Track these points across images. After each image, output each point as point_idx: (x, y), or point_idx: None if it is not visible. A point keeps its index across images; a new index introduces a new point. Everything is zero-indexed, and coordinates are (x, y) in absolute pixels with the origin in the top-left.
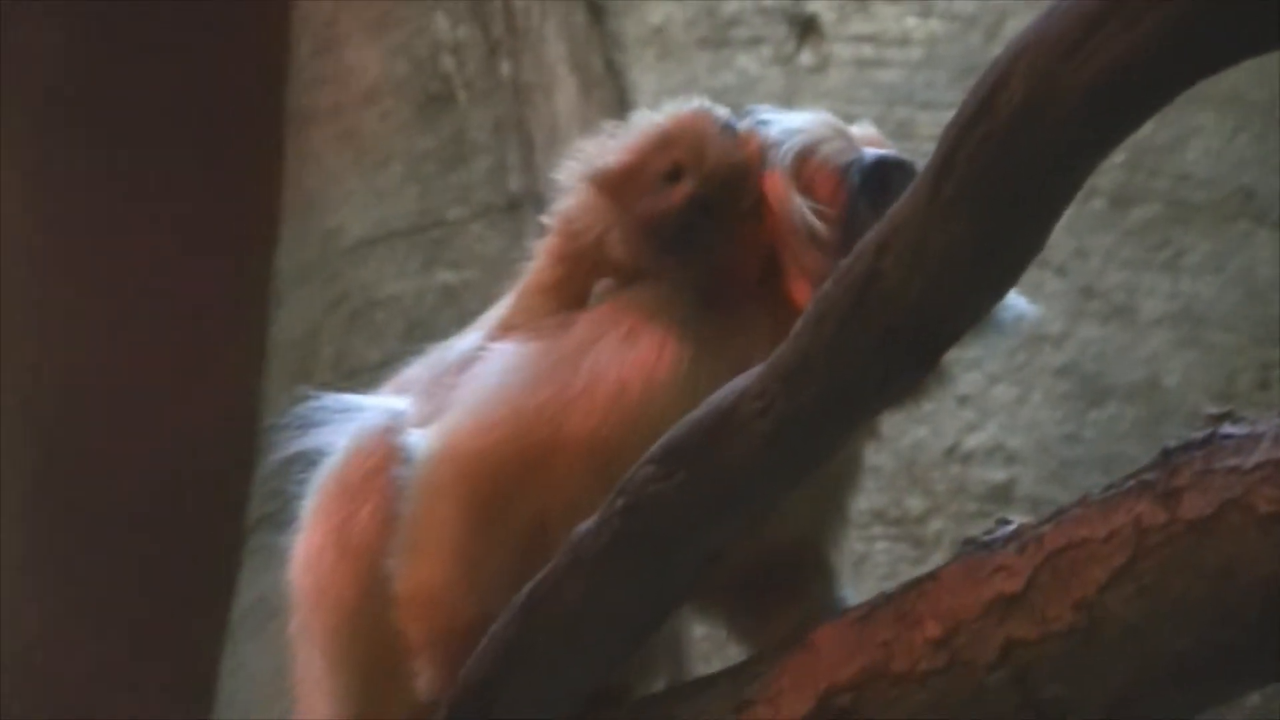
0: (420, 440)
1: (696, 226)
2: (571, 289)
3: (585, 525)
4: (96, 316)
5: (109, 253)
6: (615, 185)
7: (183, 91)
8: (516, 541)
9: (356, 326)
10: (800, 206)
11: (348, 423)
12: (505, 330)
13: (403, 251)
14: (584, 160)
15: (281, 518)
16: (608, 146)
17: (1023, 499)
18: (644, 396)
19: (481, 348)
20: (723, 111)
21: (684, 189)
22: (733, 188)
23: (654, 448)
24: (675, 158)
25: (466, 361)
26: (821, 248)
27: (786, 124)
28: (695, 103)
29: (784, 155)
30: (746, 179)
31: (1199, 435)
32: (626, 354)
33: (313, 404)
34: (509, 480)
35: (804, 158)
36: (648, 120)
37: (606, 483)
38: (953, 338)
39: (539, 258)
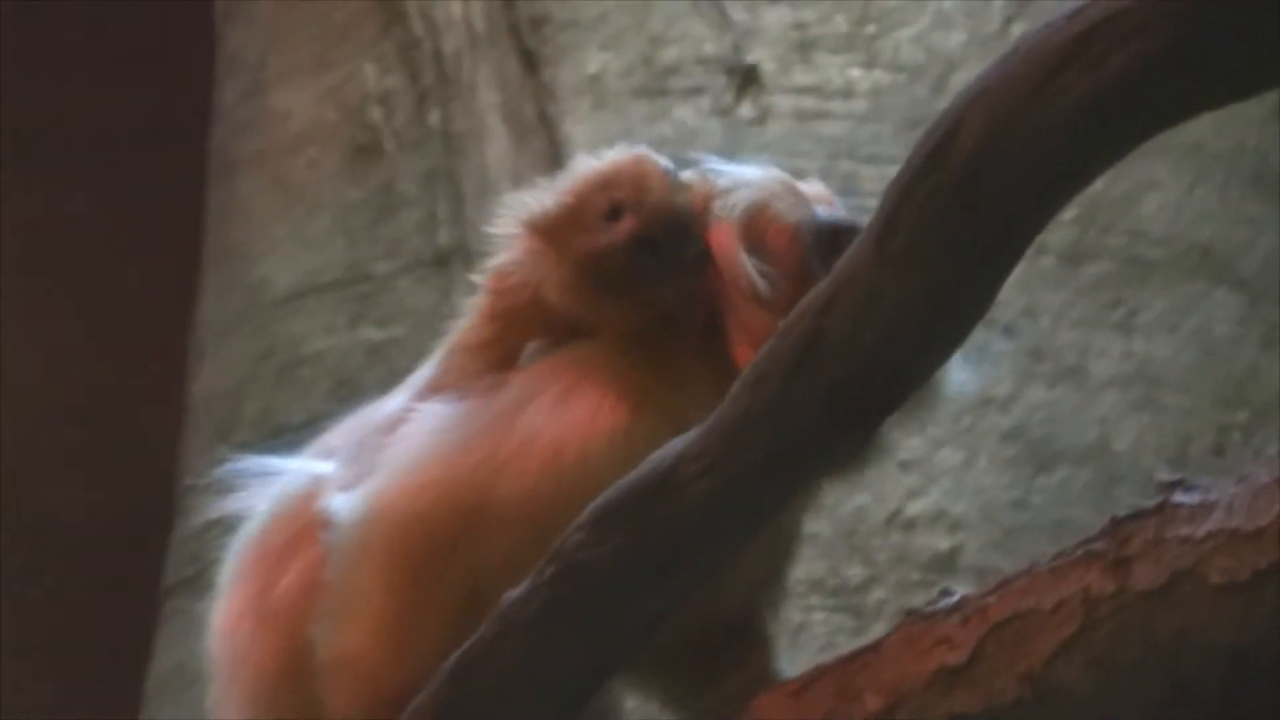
0: (346, 503)
1: (639, 266)
2: (503, 348)
3: (515, 592)
4: (12, 368)
5: (31, 301)
6: (554, 228)
7: (105, 133)
8: (447, 607)
9: (282, 383)
10: (747, 262)
11: (269, 486)
12: (435, 390)
13: (330, 305)
14: (518, 210)
15: (200, 582)
16: (544, 194)
17: (967, 568)
18: (580, 457)
19: (410, 408)
20: (664, 157)
21: (626, 225)
22: (676, 229)
23: (586, 512)
24: (616, 197)
25: (394, 422)
26: (767, 307)
27: (736, 175)
28: (636, 147)
29: (733, 207)
30: (691, 223)
31: (1150, 503)
32: (562, 413)
33: (234, 465)
34: (440, 544)
35: (754, 212)
36: (585, 164)
37: (542, 546)
38: (900, 397)
39: (470, 315)
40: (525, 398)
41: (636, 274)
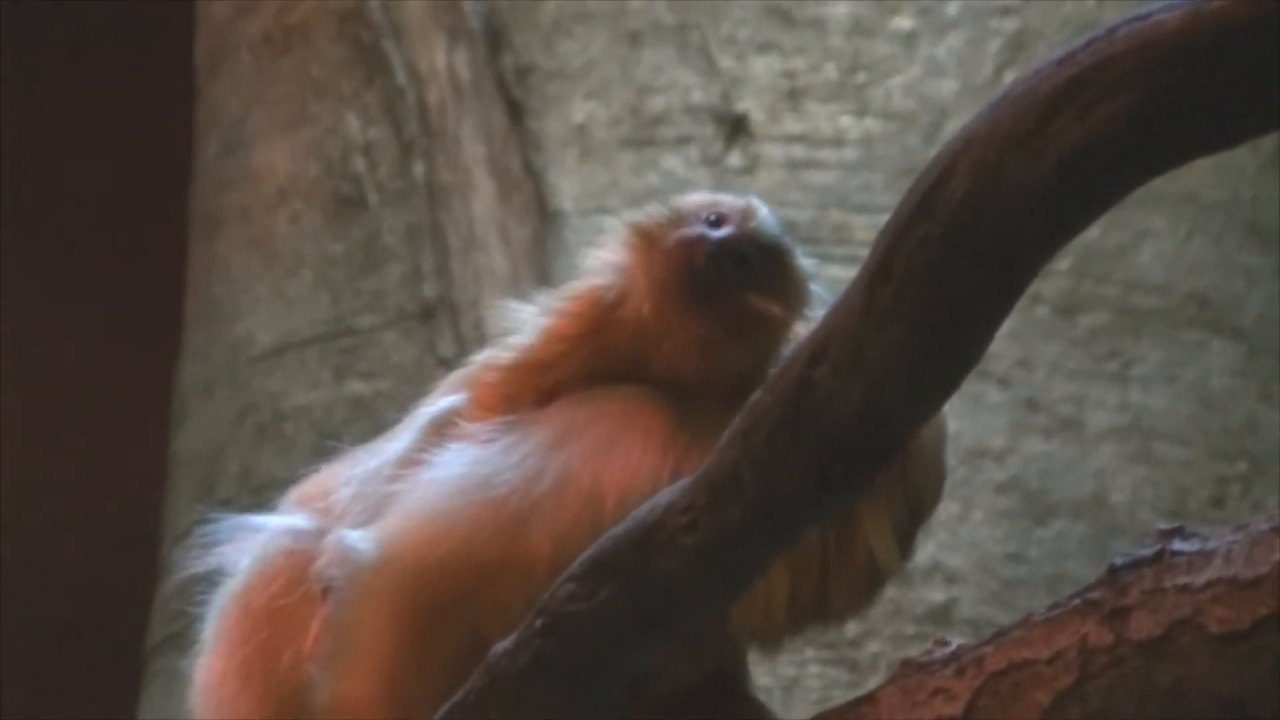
0: (358, 541)
1: (727, 269)
2: (561, 373)
3: (503, 645)
4: None
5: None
6: (654, 229)
7: (88, 191)
8: (450, 656)
9: (264, 440)
10: None
11: (251, 542)
12: (447, 426)
13: (313, 361)
14: (618, 227)
15: (184, 640)
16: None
17: (963, 621)
18: (619, 506)
19: (418, 449)
20: None
21: (724, 230)
22: (772, 253)
23: (575, 564)
24: (721, 211)
25: (401, 464)
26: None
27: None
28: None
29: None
30: (788, 257)
31: (1148, 552)
32: (604, 458)
33: (216, 522)
34: (453, 592)
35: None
36: (676, 199)
37: None
38: (891, 450)
39: (531, 334)
40: (563, 438)
41: (722, 276)
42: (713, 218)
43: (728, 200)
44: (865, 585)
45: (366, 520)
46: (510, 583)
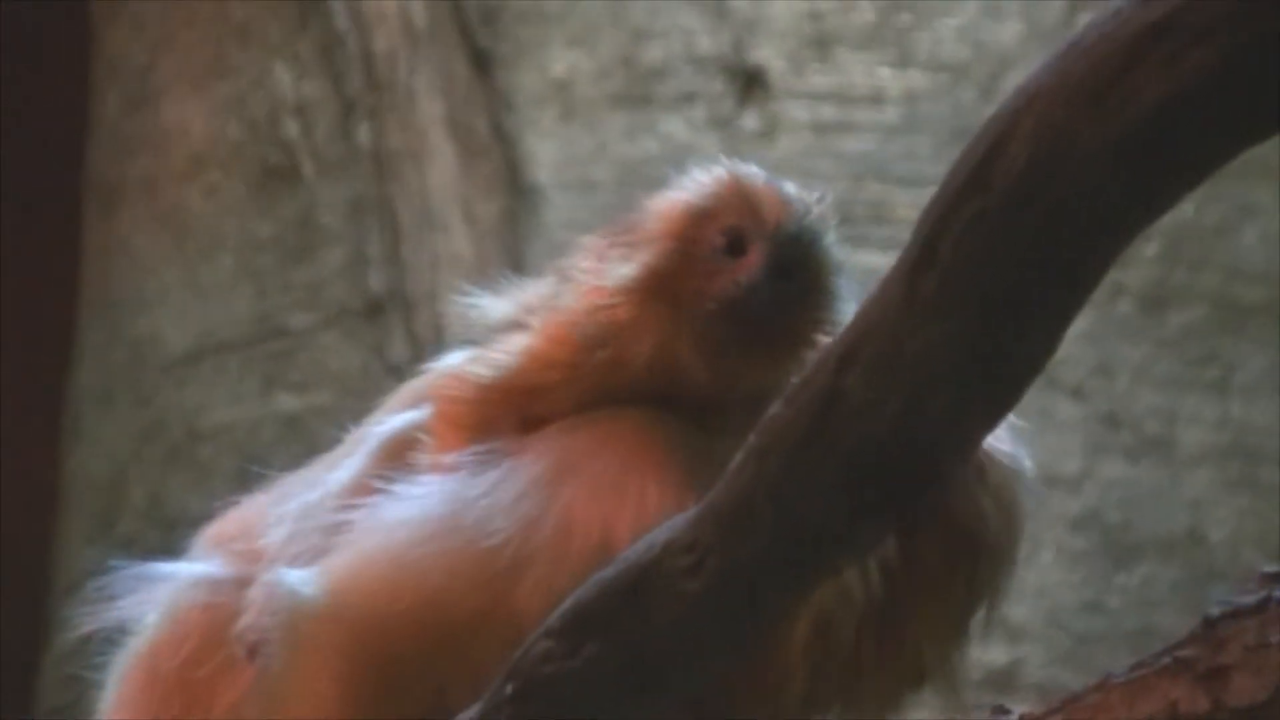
0: (301, 585)
1: (782, 299)
2: (558, 401)
3: (465, 715)
4: None
5: None
6: (663, 283)
7: None
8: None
9: (175, 464)
10: None
11: (158, 593)
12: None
13: (234, 369)
14: (599, 272)
15: (77, 713)
16: (620, 245)
17: (1030, 685)
18: None
19: (381, 471)
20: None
21: (757, 257)
22: (812, 245)
23: (553, 616)
24: (731, 226)
25: (348, 496)
26: None
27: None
28: (717, 166)
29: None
30: (824, 233)
31: (1250, 600)
32: (615, 502)
33: (116, 569)
34: (417, 655)
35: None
36: (666, 200)
37: None
38: (934, 475)
39: (510, 355)
40: (562, 475)
41: (781, 309)
42: (728, 242)
43: (715, 199)
44: (904, 688)
45: (306, 563)
46: (488, 643)
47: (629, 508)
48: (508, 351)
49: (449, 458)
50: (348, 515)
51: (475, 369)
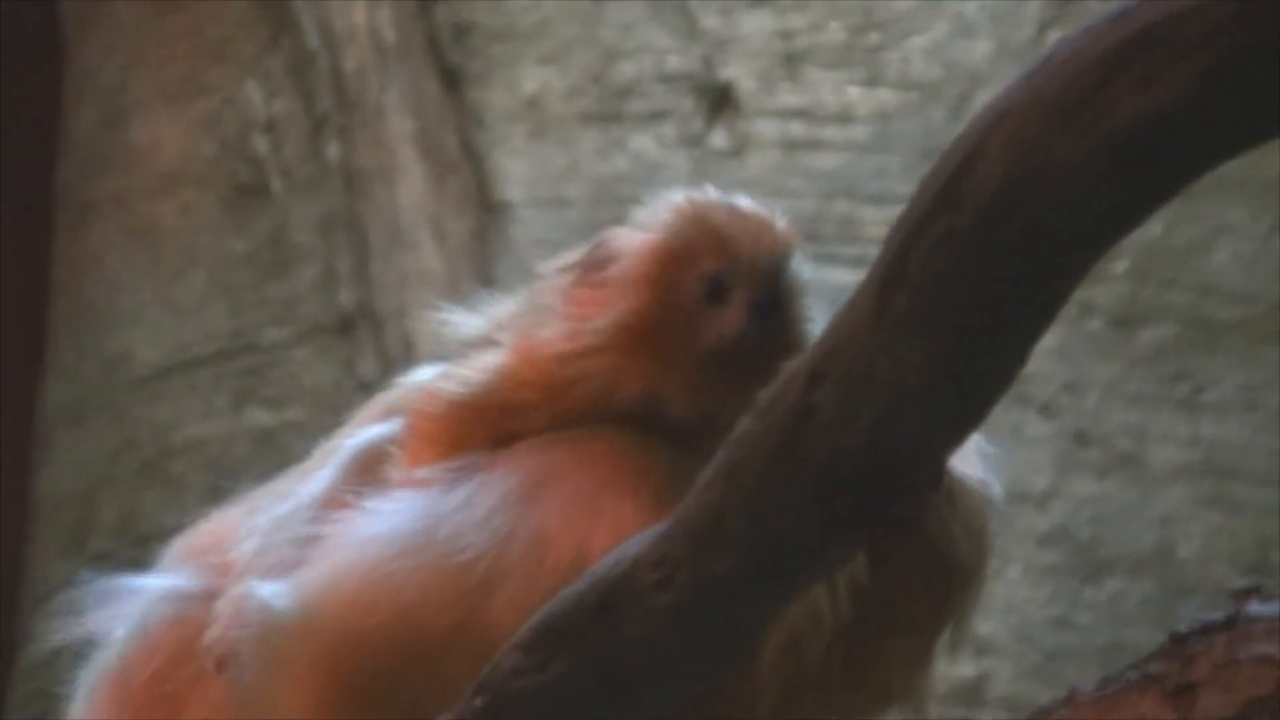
0: (274, 599)
1: (764, 337)
2: (536, 420)
3: None
4: None
5: None
6: (643, 338)
7: None
8: None
9: (148, 480)
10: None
11: (129, 607)
12: (372, 464)
13: (207, 384)
14: (574, 328)
15: None
16: (594, 292)
17: (997, 700)
18: None
19: (353, 485)
20: (710, 192)
21: (740, 304)
22: (786, 277)
23: (523, 630)
24: (706, 271)
25: (320, 509)
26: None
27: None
28: (676, 195)
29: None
30: (791, 257)
31: (1220, 616)
32: (589, 519)
33: (87, 582)
34: (391, 670)
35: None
36: (631, 240)
37: None
38: (905, 489)
39: (485, 373)
40: (536, 491)
41: (765, 345)
42: (707, 288)
43: (684, 237)
44: (873, 706)
45: (278, 576)
46: (461, 659)
47: (604, 525)
48: (481, 369)
49: (421, 473)
50: (319, 528)
51: (448, 385)
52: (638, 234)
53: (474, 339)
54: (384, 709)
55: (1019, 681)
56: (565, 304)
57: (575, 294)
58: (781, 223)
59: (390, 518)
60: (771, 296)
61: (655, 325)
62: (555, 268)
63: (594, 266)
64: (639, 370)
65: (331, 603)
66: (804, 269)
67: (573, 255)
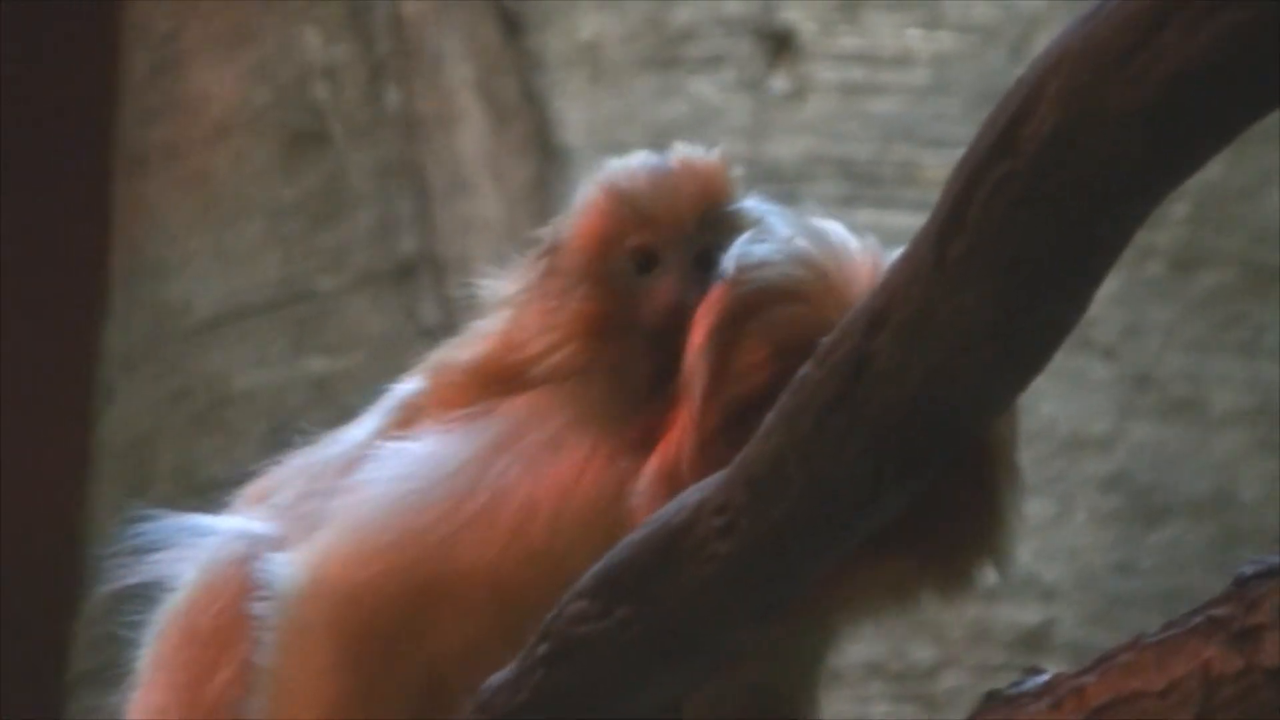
0: (285, 567)
1: (705, 284)
2: (514, 377)
3: (499, 676)
4: None
5: None
6: (596, 324)
7: None
8: (405, 696)
9: (204, 428)
10: (703, 366)
11: (194, 550)
12: (407, 418)
13: (262, 332)
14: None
15: (111, 673)
16: (548, 280)
17: (1062, 646)
18: (553, 523)
19: (371, 443)
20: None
21: (673, 267)
22: (711, 234)
23: (586, 577)
24: (632, 246)
25: (351, 461)
26: (711, 416)
27: (761, 252)
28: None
29: (741, 283)
30: (716, 213)
31: None
32: (543, 466)
33: (150, 525)
34: (394, 622)
35: (741, 309)
36: (571, 230)
37: (511, 624)
38: (963, 437)
39: (493, 334)
40: (505, 440)
41: (709, 287)
42: (638, 260)
43: (630, 206)
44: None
45: (301, 536)
46: (453, 612)
47: (550, 476)
48: (483, 334)
49: (425, 426)
50: (346, 480)
51: (456, 351)
52: (571, 219)
53: (494, 304)
54: (401, 669)
55: (1083, 627)
56: (530, 297)
57: (539, 286)
58: (709, 167)
59: (382, 471)
60: (705, 249)
61: (602, 309)
62: (533, 251)
63: (546, 255)
64: (601, 352)
65: (334, 560)
66: (742, 204)
67: (545, 236)
